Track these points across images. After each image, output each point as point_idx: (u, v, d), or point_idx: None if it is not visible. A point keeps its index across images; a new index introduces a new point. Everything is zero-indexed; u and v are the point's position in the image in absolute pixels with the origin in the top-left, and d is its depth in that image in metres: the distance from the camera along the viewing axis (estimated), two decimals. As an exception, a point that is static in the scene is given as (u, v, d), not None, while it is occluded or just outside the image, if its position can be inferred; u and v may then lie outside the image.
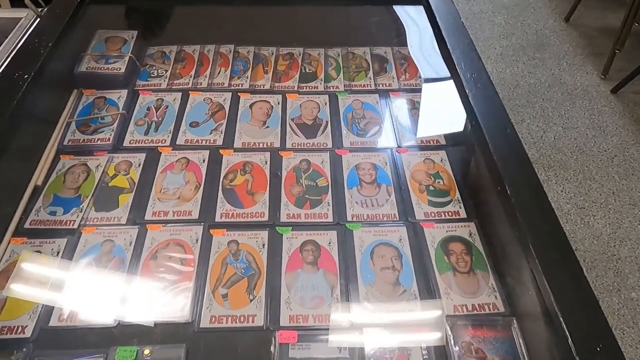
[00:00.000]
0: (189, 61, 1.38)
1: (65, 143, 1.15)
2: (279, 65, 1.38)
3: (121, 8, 1.54)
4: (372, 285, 0.92)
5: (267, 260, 0.95)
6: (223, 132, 1.19)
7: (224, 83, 1.32)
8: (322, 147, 1.17)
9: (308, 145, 1.17)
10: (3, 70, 1.04)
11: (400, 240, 0.99)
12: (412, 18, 1.49)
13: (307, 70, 1.37)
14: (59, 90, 1.25)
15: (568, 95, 2.72)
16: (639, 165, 2.37)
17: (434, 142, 1.18)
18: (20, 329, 0.84)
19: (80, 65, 1.30)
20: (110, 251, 0.95)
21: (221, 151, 1.15)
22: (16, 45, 1.11)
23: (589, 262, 1.97)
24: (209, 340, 0.84)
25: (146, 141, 1.16)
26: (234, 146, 1.16)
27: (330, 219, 1.02)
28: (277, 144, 1.17)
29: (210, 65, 1.36)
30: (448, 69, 1.15)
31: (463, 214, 1.03)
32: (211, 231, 0.99)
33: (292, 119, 1.23)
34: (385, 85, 1.33)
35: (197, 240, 0.97)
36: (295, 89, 1.31)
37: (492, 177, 0.91)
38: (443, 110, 1.28)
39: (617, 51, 2.67)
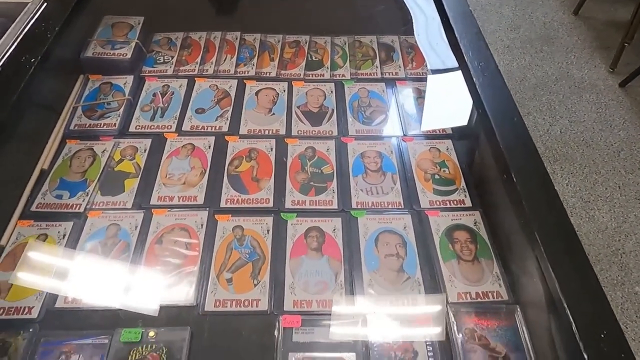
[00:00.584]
0: (195, 48, 1.38)
1: (71, 128, 1.15)
2: (285, 53, 1.38)
3: (128, -6, 1.54)
4: (376, 272, 0.92)
5: (272, 245, 0.95)
6: (229, 118, 1.19)
7: (230, 70, 1.32)
8: (327, 134, 1.16)
9: (314, 132, 1.17)
10: (10, 54, 1.04)
11: (404, 228, 0.99)
12: (420, 6, 1.48)
13: (313, 58, 1.36)
14: (65, 75, 1.25)
15: (575, 88, 2.69)
16: (646, 159, 2.35)
17: (440, 131, 1.18)
18: (26, 310, 0.84)
19: (86, 51, 1.30)
20: (115, 235, 0.96)
21: (227, 138, 1.15)
22: (23, 30, 1.10)
23: (593, 256, 1.96)
24: (213, 323, 0.84)
25: (152, 127, 1.17)
26: (240, 133, 1.16)
27: (335, 206, 1.02)
28: (282, 131, 1.17)
29: (216, 52, 1.36)
30: (455, 57, 1.14)
31: (468, 203, 1.03)
32: (216, 216, 0.99)
33: (298, 107, 1.23)
34: (392, 74, 1.32)
35: (202, 225, 0.98)
36: (302, 76, 1.31)
37: (498, 166, 0.90)
38: (449, 99, 1.27)
39: (626, 44, 2.64)
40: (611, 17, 3.15)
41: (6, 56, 1.04)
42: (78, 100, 1.20)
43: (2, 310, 0.84)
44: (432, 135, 1.17)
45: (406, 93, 1.27)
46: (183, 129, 1.16)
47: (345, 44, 1.41)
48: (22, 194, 1.00)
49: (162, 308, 0.86)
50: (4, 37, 1.11)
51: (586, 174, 2.27)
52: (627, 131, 2.48)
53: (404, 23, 1.47)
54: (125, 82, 1.26)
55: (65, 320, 0.84)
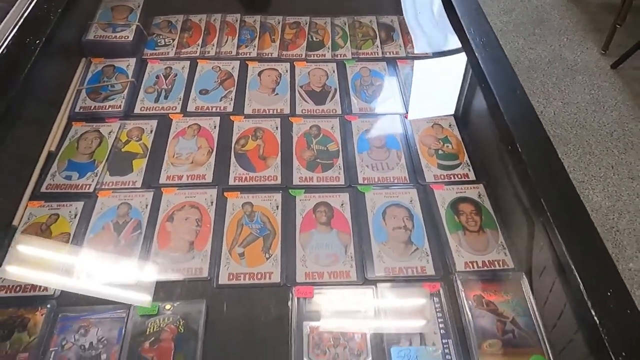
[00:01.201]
0: (196, 30, 1.38)
1: (76, 110, 1.16)
2: (286, 34, 1.38)
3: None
4: (385, 243, 0.94)
5: (282, 221, 0.97)
6: (233, 99, 1.20)
7: (231, 52, 1.32)
8: (331, 113, 1.18)
9: (317, 111, 1.18)
10: (14, 36, 1.03)
11: (411, 201, 1.01)
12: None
13: (314, 38, 1.37)
14: (67, 58, 1.25)
15: (568, 70, 2.72)
16: (638, 139, 2.39)
17: (442, 108, 1.20)
18: (43, 287, 0.85)
19: (87, 34, 1.30)
20: (127, 213, 0.97)
21: (232, 117, 1.16)
22: (25, 12, 1.10)
23: (588, 234, 2.00)
24: (228, 296, 0.86)
25: (157, 108, 1.17)
26: (244, 112, 1.17)
27: (342, 182, 1.04)
28: (286, 111, 1.18)
29: (217, 34, 1.36)
30: (456, 34, 1.16)
31: (472, 177, 1.05)
32: (225, 194, 1.00)
33: (301, 86, 1.24)
34: (393, 53, 1.34)
35: (212, 202, 0.99)
36: (303, 57, 1.32)
37: (502, 138, 0.92)
38: (451, 76, 1.28)
39: (617, 26, 2.67)
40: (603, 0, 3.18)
41: (10, 38, 1.03)
42: (81, 83, 1.20)
43: (19, 287, 0.85)
44: (434, 112, 1.18)
45: (407, 71, 1.29)
46: (188, 109, 1.17)
47: (345, 24, 1.42)
48: (31, 175, 1.01)
49: (176, 282, 0.87)
50: (5, 20, 1.10)
51: (580, 154, 2.31)
52: (620, 112, 2.51)
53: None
54: (128, 64, 1.26)
55: (82, 295, 0.85)
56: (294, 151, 1.09)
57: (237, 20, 1.41)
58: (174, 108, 1.17)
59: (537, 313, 0.83)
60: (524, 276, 0.88)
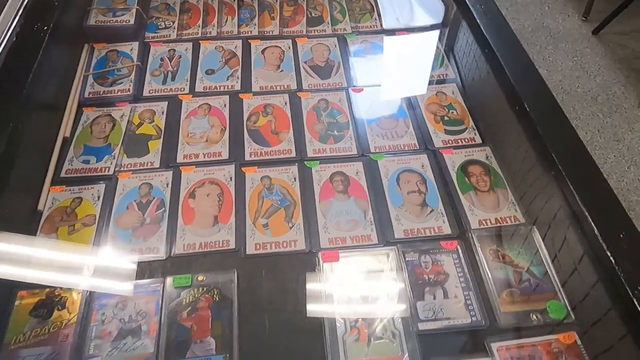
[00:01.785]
0: (195, 11, 1.38)
1: (85, 96, 1.16)
2: (285, 12, 1.40)
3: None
4: (401, 207, 0.98)
5: (301, 191, 1.00)
6: (239, 77, 1.22)
7: (233, 31, 1.33)
8: (338, 86, 1.21)
9: (324, 85, 1.21)
10: (22, 24, 1.03)
11: (422, 166, 1.05)
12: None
13: (312, 14, 1.39)
14: (71, 44, 1.25)
15: (551, 39, 2.78)
16: (622, 102, 2.47)
17: (443, 76, 1.23)
18: (78, 267, 0.88)
19: (88, 19, 1.29)
20: (149, 193, 0.99)
21: (240, 95, 1.18)
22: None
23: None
24: (257, 264, 0.90)
25: (165, 90, 1.18)
26: (252, 90, 1.19)
27: (354, 152, 1.07)
28: (293, 86, 1.20)
29: (216, 15, 1.37)
30: (455, 3, 1.19)
31: (478, 140, 1.10)
32: (243, 169, 1.03)
33: (305, 62, 1.26)
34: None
35: (230, 178, 1.02)
36: (304, 33, 1.34)
37: (508, 99, 0.96)
38: (451, 45, 1.32)
39: (596, -8, 2.73)
40: (581, -33, 3.23)
41: (15, 24, 1.03)
42: (87, 69, 1.21)
43: (51, 267, 0.87)
44: (437, 80, 1.22)
45: (408, 42, 1.32)
46: (196, 90, 1.19)
47: (342, -1, 1.44)
48: (50, 162, 1.02)
49: (206, 255, 0.90)
50: (6, 6, 1.09)
51: (567, 119, 2.38)
52: (603, 76, 2.59)
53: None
54: (132, 48, 1.27)
55: (116, 273, 0.88)
56: (305, 125, 1.12)
57: (234, 0, 1.42)
58: (182, 89, 1.19)
59: (549, 261, 0.88)
60: (535, 229, 0.93)
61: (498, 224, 0.96)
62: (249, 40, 1.31)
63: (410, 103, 1.17)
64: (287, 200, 0.99)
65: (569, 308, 0.83)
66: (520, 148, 0.98)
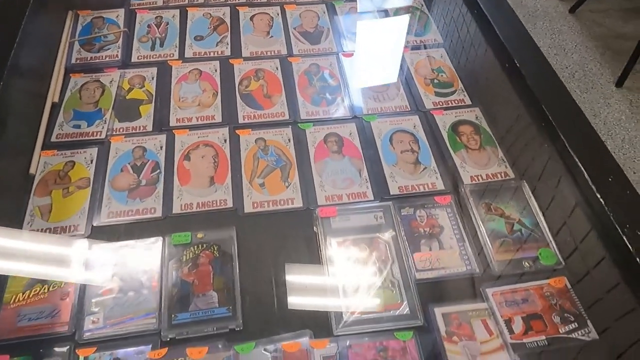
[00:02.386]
0: (180, -21, 1.36)
1: (72, 62, 1.14)
2: (272, -21, 1.39)
3: None
4: (395, 165, 1.00)
5: (295, 152, 1.01)
6: (229, 43, 1.21)
7: (220, -2, 1.32)
8: (328, 51, 1.21)
9: (314, 50, 1.21)
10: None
11: (414, 127, 1.07)
12: None
13: (300, -18, 1.38)
14: (54, 11, 1.22)
15: (530, 17, 2.83)
16: (598, 78, 2.53)
17: (432, 41, 1.25)
18: (73, 228, 0.87)
19: (71, -15, 1.27)
20: (143, 155, 0.98)
21: (231, 61, 1.17)
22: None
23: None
24: (255, 222, 0.90)
25: (154, 56, 1.17)
26: (243, 55, 1.19)
27: (347, 114, 1.08)
28: (284, 52, 1.20)
29: (203, -18, 1.35)
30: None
31: (468, 101, 1.12)
32: (237, 132, 1.03)
33: (295, 28, 1.26)
34: (379, -7, 1.37)
35: (225, 140, 1.02)
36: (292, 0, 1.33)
37: (497, 57, 0.99)
38: (439, 10, 1.33)
39: (573, -30, 2.78)
40: (557, -54, 3.28)
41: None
42: (72, 35, 1.18)
43: (48, 231, 0.86)
44: (425, 45, 1.24)
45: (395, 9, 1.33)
46: (186, 55, 1.18)
47: (329, -33, 1.44)
48: (39, 127, 1.00)
49: (203, 214, 0.91)
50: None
51: (546, 94, 2.43)
52: (580, 54, 2.65)
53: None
54: (117, 15, 1.24)
55: (112, 233, 0.87)
56: (297, 89, 1.12)
57: (220, -32, 1.40)
58: (171, 55, 1.17)
59: (539, 211, 0.92)
60: (525, 183, 0.96)
61: (489, 179, 0.98)
62: (237, 7, 1.30)
63: (401, 66, 1.19)
64: (282, 160, 0.99)
65: (559, 255, 0.86)
66: (509, 106, 1.01)
